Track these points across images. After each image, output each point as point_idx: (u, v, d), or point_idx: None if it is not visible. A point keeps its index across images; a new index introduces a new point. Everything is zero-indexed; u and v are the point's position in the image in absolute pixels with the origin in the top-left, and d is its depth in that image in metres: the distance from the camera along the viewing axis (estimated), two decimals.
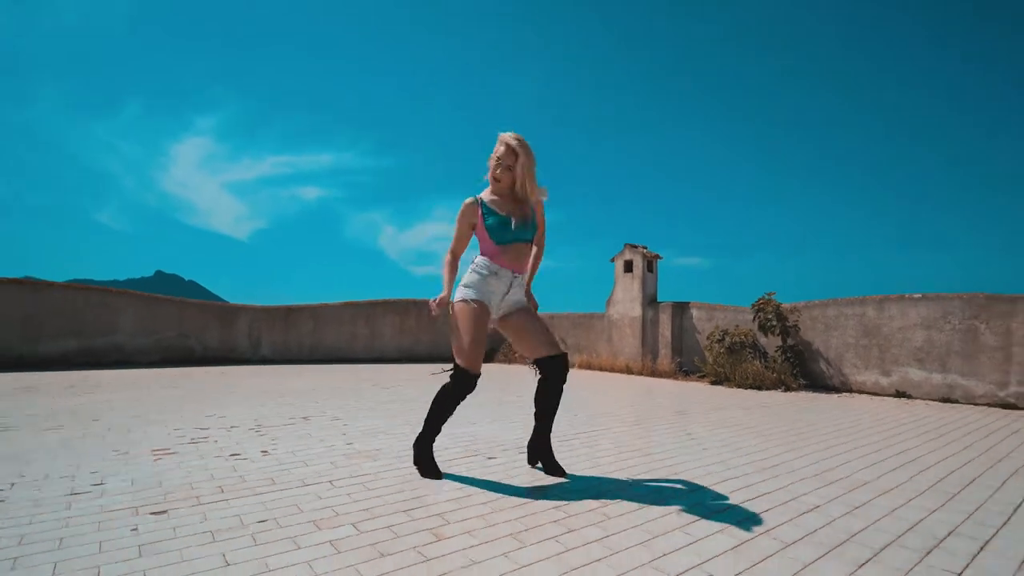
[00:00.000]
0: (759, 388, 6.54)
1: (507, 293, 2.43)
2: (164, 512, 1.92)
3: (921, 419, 4.45)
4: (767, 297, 7.00)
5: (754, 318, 7.07)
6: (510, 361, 10.38)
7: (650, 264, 8.77)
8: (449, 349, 10.70)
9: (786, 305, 7.03)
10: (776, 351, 6.96)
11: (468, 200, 2.44)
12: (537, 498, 2.16)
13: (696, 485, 2.39)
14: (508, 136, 2.40)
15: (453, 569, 1.52)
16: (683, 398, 5.56)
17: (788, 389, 6.47)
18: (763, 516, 2.00)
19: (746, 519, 1.97)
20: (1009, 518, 2.05)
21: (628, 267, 8.88)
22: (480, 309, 2.36)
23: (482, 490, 2.26)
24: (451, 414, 2.46)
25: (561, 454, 2.89)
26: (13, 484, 2.23)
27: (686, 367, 8.21)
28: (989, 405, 5.47)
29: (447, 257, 2.45)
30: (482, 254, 2.46)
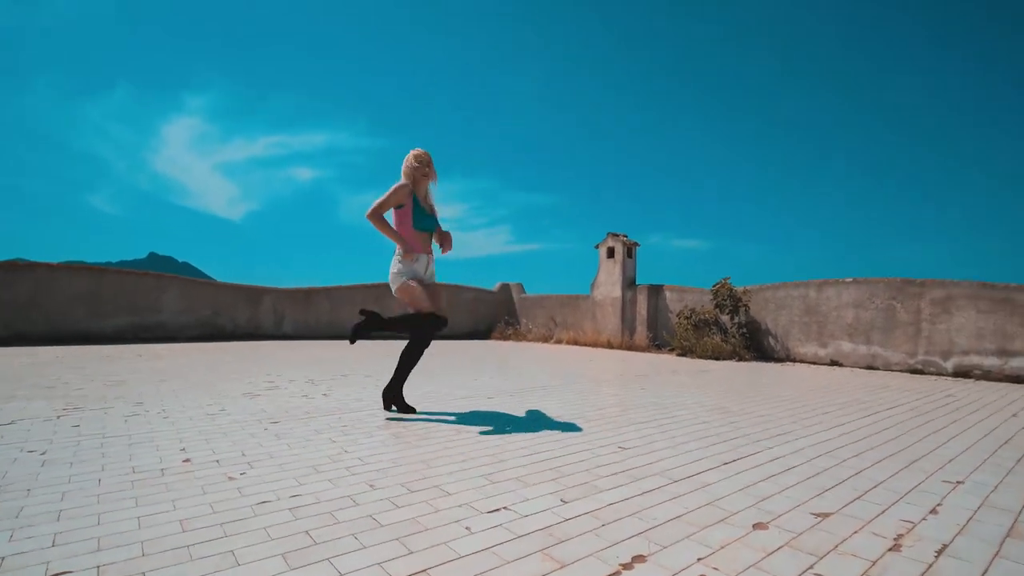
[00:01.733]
0: (717, 359, 7.66)
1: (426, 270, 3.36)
2: (279, 422, 3.01)
3: (845, 380, 5.57)
4: (723, 281, 8.09)
5: (712, 298, 8.17)
6: (505, 338, 11.49)
7: (629, 251, 9.82)
8: (448, 328, 11.79)
9: (739, 288, 8.13)
10: (733, 327, 8.07)
11: (405, 183, 3.25)
12: (538, 430, 3.26)
13: (621, 410, 3.49)
14: (424, 153, 3.30)
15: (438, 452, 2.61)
16: (649, 366, 6.67)
17: (741, 359, 7.60)
18: (685, 445, 3.11)
19: (671, 447, 3.07)
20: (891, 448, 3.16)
21: (610, 253, 9.94)
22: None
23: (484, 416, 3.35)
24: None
25: (538, 398, 3.99)
26: (164, 409, 3.31)
27: (659, 341, 9.33)
28: (902, 371, 6.60)
29: (378, 216, 3.23)
30: (401, 232, 3.27)
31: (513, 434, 2.84)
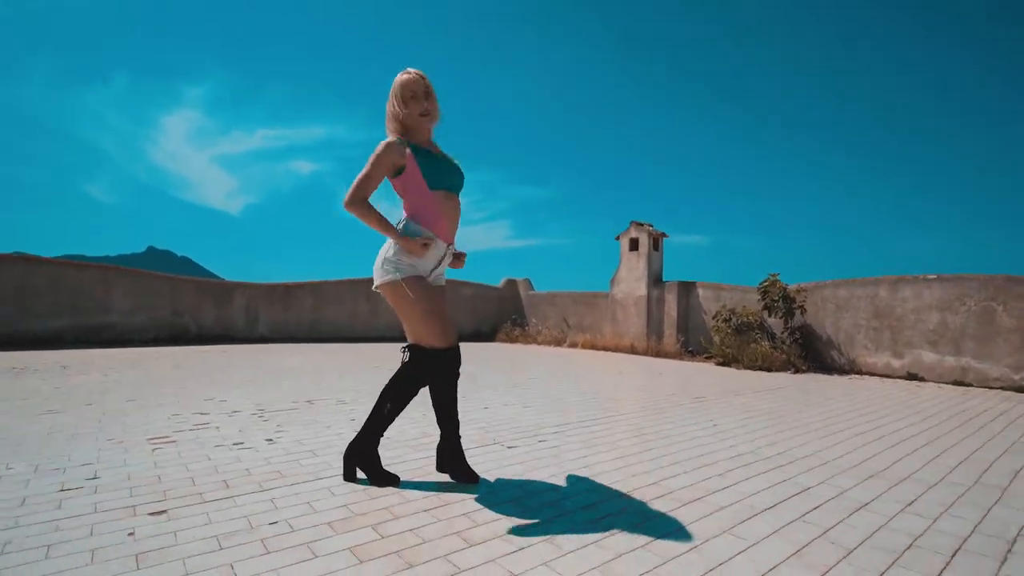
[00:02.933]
0: (768, 370, 6.43)
1: (437, 266, 2.10)
2: (163, 512, 1.77)
3: (941, 402, 4.34)
4: (773, 277, 6.85)
5: (760, 299, 6.93)
6: (512, 340, 10.25)
7: (656, 242, 8.58)
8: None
9: (792, 286, 6.89)
10: (783, 332, 6.83)
11: (392, 140, 2.01)
12: (567, 495, 2.02)
13: (732, 480, 2.25)
14: (416, 76, 2.01)
15: None
16: (694, 381, 5.43)
17: (797, 371, 6.37)
18: (814, 516, 1.87)
19: (796, 519, 1.83)
20: None
21: (634, 245, 8.69)
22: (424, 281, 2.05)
23: (508, 485, 2.11)
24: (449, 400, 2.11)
25: (584, 441, 2.75)
26: (12, 471, 2.07)
27: (692, 347, 8.09)
28: (1003, 388, 5.38)
29: (361, 202, 2.00)
30: (409, 214, 2.05)
31: (559, 539, 1.60)
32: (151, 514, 1.75)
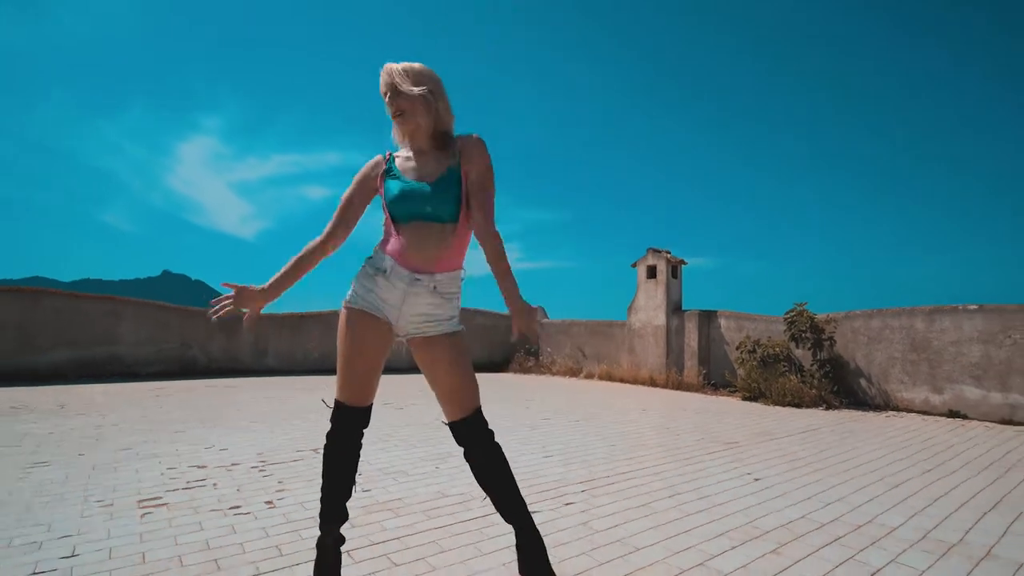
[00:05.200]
0: (797, 406, 6.09)
1: (403, 303, 1.59)
2: None
3: (993, 445, 3.99)
4: (800, 307, 6.56)
5: (787, 329, 6.63)
6: (525, 371, 9.97)
7: (675, 270, 8.33)
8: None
9: (821, 316, 6.59)
10: (812, 365, 6.51)
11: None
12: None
13: (789, 560, 1.97)
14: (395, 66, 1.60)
15: None
16: (722, 420, 5.12)
17: (829, 407, 6.03)
18: None
19: None
20: None
21: (651, 273, 8.45)
22: (358, 317, 1.61)
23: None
24: (344, 469, 1.61)
25: (614, 502, 2.48)
26: None
27: (714, 380, 7.77)
28: None
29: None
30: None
31: None
32: None
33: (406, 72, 1.57)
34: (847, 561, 1.96)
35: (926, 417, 5.57)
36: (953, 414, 5.63)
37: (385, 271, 1.58)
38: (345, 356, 1.60)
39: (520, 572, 1.60)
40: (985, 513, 2.53)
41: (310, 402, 5.56)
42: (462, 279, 1.65)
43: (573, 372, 9.37)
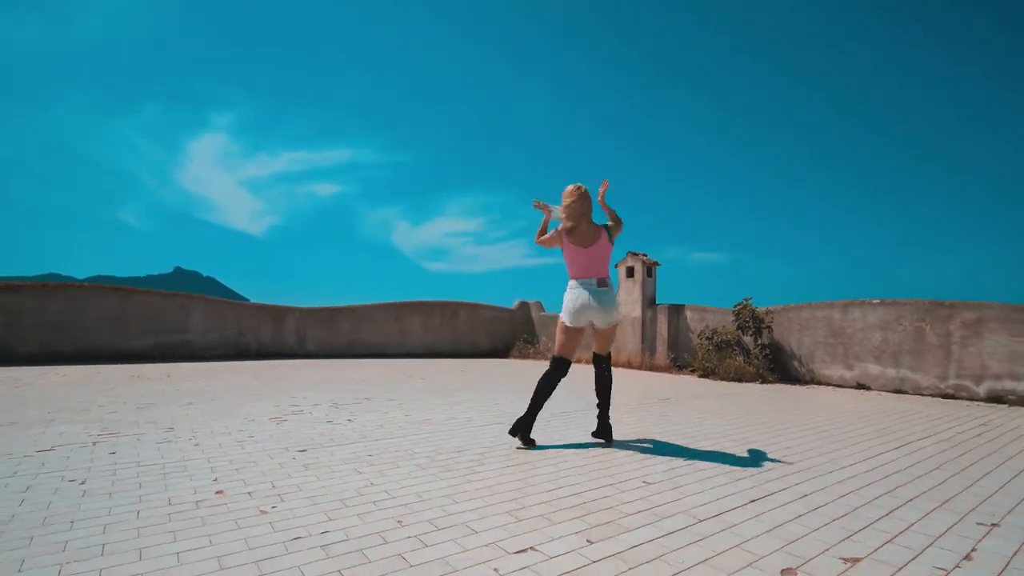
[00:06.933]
0: (740, 380, 7.56)
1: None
2: (306, 450, 3.06)
3: (860, 405, 5.46)
4: (745, 302, 8.01)
5: (734, 319, 8.09)
6: (524, 357, 11.49)
7: (649, 270, 9.79)
8: (467, 347, 11.85)
9: (762, 309, 8.04)
10: (756, 348, 7.96)
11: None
12: (616, 447, 3.27)
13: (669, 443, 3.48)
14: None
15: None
16: (671, 390, 6.62)
17: (764, 382, 7.49)
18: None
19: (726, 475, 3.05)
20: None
21: (630, 272, 9.92)
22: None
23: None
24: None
25: (568, 430, 4.00)
26: (195, 435, 3.39)
27: (680, 362, 9.24)
28: (932, 396, 6.44)
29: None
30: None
31: (536, 466, 2.85)
32: (299, 451, 3.05)
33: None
34: (717, 458, 3.45)
35: (836, 388, 7.02)
36: (860, 386, 7.07)
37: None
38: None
39: (593, 434, 3.50)
40: (839, 448, 4.00)
41: (348, 375, 7.11)
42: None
43: None
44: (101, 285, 8.22)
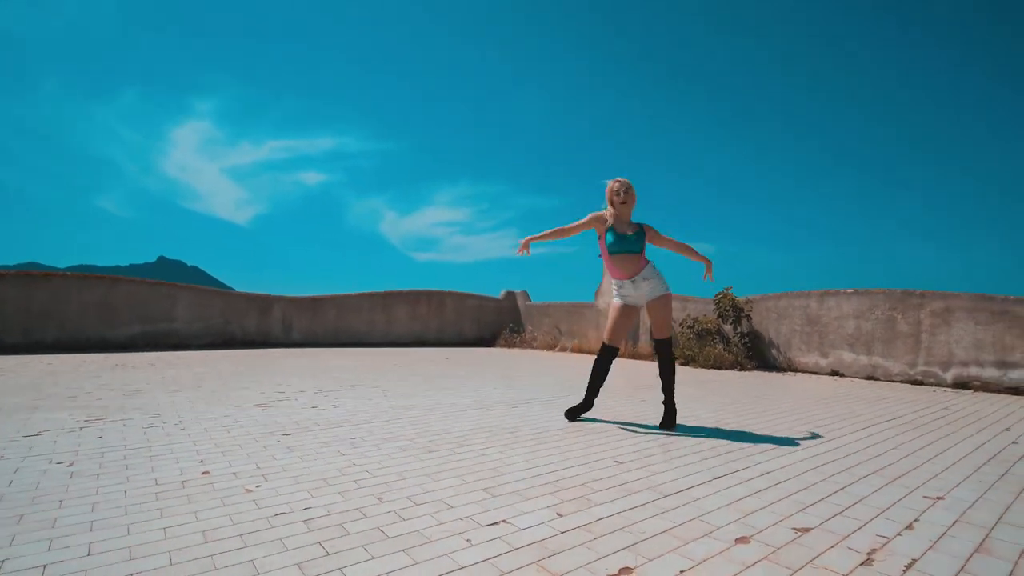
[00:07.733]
0: (719, 368, 7.74)
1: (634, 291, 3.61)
2: (291, 434, 3.15)
3: (833, 390, 5.65)
4: (725, 291, 8.18)
5: (715, 308, 8.26)
6: (510, 346, 11.60)
7: None
8: (453, 336, 11.94)
9: (741, 298, 8.21)
10: (736, 336, 8.15)
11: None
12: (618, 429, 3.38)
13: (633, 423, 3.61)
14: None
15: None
16: (652, 377, 6.77)
17: (743, 369, 7.68)
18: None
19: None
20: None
21: None
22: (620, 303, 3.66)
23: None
24: (604, 377, 3.71)
25: (548, 415, 4.12)
26: (181, 420, 3.46)
27: None
28: (902, 382, 6.66)
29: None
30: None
31: (514, 447, 2.96)
32: (284, 435, 3.13)
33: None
34: (689, 439, 3.58)
35: (812, 375, 7.23)
36: (835, 373, 7.29)
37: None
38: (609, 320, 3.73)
39: (660, 425, 3.57)
40: (807, 430, 4.16)
41: (333, 363, 7.17)
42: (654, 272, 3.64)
43: (550, 346, 11.01)
44: (86, 274, 8.17)
